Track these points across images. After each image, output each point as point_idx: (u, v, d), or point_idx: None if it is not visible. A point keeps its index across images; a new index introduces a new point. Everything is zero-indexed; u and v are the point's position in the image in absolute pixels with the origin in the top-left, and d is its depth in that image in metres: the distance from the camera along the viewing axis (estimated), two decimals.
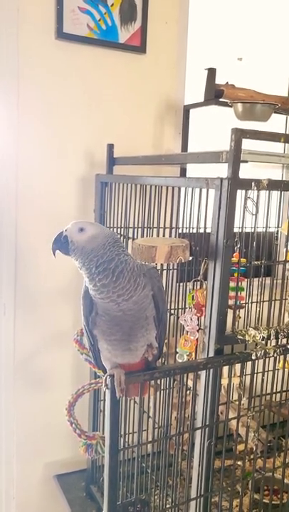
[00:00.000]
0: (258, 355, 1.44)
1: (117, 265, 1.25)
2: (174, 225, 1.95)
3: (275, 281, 1.59)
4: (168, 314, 1.86)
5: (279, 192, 1.51)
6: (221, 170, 1.39)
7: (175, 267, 1.93)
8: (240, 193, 1.37)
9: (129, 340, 1.31)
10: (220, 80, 2.31)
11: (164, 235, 1.95)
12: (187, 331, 1.50)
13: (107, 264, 1.25)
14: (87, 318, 1.33)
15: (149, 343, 1.35)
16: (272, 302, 1.58)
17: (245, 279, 1.56)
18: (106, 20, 2.24)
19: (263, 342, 1.48)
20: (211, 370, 1.41)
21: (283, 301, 1.66)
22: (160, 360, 1.97)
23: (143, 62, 2.38)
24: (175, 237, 1.94)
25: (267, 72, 2.84)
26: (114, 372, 1.25)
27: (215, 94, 2.28)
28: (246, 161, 1.39)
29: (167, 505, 1.72)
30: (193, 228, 1.69)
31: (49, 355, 2.34)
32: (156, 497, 2.00)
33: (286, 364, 1.79)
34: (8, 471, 2.36)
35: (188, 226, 1.71)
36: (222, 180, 1.33)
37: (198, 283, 1.51)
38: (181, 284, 1.82)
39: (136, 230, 1.96)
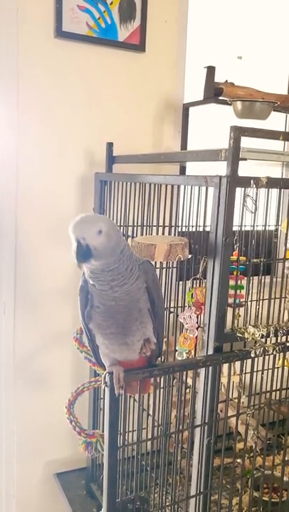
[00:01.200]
0: (258, 352, 1.44)
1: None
2: (173, 223, 1.95)
3: (274, 280, 1.59)
4: (168, 312, 1.86)
5: (278, 190, 1.51)
6: (220, 168, 1.39)
7: (174, 265, 1.93)
8: (239, 191, 1.37)
9: (125, 334, 1.31)
10: (219, 78, 2.31)
11: (163, 233, 1.95)
12: (186, 329, 1.50)
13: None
14: (83, 312, 1.33)
15: (146, 337, 1.35)
16: (272, 300, 1.58)
17: (245, 278, 1.56)
18: (105, 18, 2.24)
19: (263, 340, 1.48)
20: (211, 368, 1.41)
21: (282, 299, 1.66)
22: (160, 358, 1.97)
23: (142, 60, 2.38)
24: (174, 235, 1.94)
25: (266, 70, 2.84)
26: (114, 369, 1.25)
27: (214, 92, 2.27)
28: (245, 159, 1.39)
29: (167, 503, 1.72)
30: (192, 226, 1.69)
31: (49, 355, 2.34)
32: (155, 495, 2.00)
33: (285, 362, 1.79)
34: (9, 469, 2.36)
35: (187, 224, 1.71)
36: (221, 178, 1.33)
37: (198, 281, 1.51)
38: (181, 282, 1.82)
39: (135, 228, 1.96)
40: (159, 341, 1.41)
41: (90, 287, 1.29)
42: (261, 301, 1.57)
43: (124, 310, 1.28)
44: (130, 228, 1.98)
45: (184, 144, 2.52)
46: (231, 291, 1.47)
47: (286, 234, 1.65)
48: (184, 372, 1.61)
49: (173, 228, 1.96)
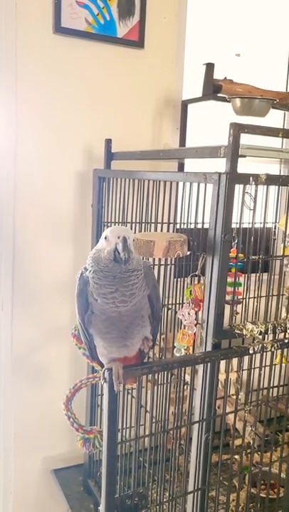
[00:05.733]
0: (256, 349, 1.44)
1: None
2: (171, 220, 1.95)
3: (272, 277, 1.59)
4: (166, 309, 1.86)
5: (277, 187, 1.51)
6: (218, 166, 1.38)
7: (173, 262, 1.93)
8: (238, 188, 1.37)
9: (125, 338, 1.32)
10: (218, 75, 2.31)
11: (161, 230, 1.95)
12: (185, 326, 1.50)
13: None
14: (83, 316, 1.32)
15: (144, 337, 1.36)
16: (270, 297, 1.59)
17: (243, 275, 1.56)
18: (104, 14, 2.23)
19: (261, 336, 1.48)
20: (209, 365, 1.42)
21: (280, 296, 1.66)
22: (158, 354, 1.97)
23: (141, 57, 2.37)
24: (173, 232, 1.94)
25: (265, 67, 2.83)
26: (113, 366, 1.25)
27: (213, 89, 2.27)
28: (244, 156, 1.39)
29: (164, 499, 1.72)
30: (191, 223, 1.69)
31: (47, 351, 2.34)
32: (153, 491, 2.00)
33: (283, 359, 1.80)
34: (6, 465, 2.36)
35: (186, 221, 1.71)
36: (220, 174, 1.33)
37: (196, 278, 1.51)
38: (179, 278, 1.82)
39: (133, 225, 1.95)
40: (155, 337, 1.42)
41: (91, 292, 1.28)
42: (259, 298, 1.58)
43: (127, 319, 1.29)
44: (129, 225, 1.97)
45: (182, 141, 2.51)
46: (229, 289, 1.47)
47: (284, 231, 1.65)
48: (183, 369, 1.61)
49: (171, 225, 1.96)
